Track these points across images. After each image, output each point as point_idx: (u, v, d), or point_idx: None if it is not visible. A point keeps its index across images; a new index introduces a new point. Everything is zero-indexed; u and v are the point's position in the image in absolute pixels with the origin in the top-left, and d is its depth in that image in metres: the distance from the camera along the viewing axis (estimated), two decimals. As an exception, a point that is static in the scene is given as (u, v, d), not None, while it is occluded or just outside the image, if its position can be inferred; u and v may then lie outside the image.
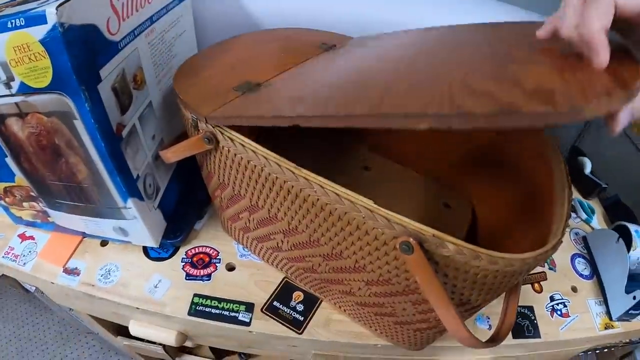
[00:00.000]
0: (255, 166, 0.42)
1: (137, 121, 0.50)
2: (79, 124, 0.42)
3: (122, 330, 0.77)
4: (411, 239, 0.34)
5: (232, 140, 0.42)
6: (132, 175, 0.50)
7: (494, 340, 0.43)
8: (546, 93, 0.26)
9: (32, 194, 0.53)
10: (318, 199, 0.39)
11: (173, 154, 0.49)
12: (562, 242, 0.35)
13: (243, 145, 0.41)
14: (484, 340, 0.40)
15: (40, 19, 0.34)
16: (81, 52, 0.38)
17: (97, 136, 0.43)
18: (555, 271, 0.66)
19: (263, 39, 0.61)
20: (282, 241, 0.51)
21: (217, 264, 0.61)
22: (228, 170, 0.47)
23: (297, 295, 0.59)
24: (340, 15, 0.69)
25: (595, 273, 0.66)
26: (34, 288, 0.66)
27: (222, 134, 0.42)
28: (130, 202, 0.51)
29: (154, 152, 0.56)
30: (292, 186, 0.40)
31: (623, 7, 0.28)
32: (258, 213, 0.49)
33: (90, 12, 0.38)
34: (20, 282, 0.66)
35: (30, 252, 0.60)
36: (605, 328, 0.60)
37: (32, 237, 0.61)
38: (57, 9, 0.34)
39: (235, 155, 0.43)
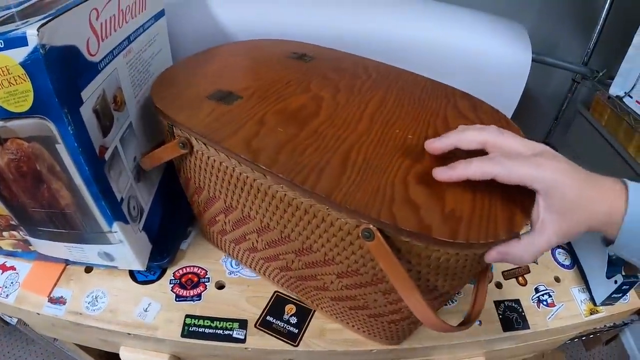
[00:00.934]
0: (227, 167, 0.45)
1: (118, 143, 0.51)
2: (61, 149, 0.43)
3: (109, 358, 0.76)
4: (371, 226, 0.37)
5: (205, 144, 0.44)
6: (117, 198, 0.51)
7: (465, 324, 0.46)
8: (455, 221, 0.36)
9: (13, 222, 0.53)
10: (285, 194, 0.42)
11: (150, 160, 0.52)
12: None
13: (215, 148, 0.44)
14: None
15: (21, 41, 0.34)
16: (63, 74, 0.38)
17: (81, 160, 0.43)
18: (537, 264, 0.70)
19: (236, 50, 0.65)
20: (256, 241, 0.54)
21: (206, 283, 0.61)
22: (203, 173, 0.49)
23: (290, 309, 0.60)
24: (311, 26, 0.72)
25: (575, 262, 0.70)
26: (15, 320, 0.65)
27: (195, 139, 0.45)
28: (115, 226, 0.51)
29: (136, 174, 0.56)
30: (262, 184, 0.43)
31: (502, 181, 0.38)
32: (233, 214, 0.52)
33: (71, 33, 0.39)
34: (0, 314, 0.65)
35: (12, 283, 0.59)
36: (591, 313, 0.64)
37: (13, 268, 0.61)
38: (38, 30, 0.34)
39: (208, 158, 0.46)
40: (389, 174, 0.41)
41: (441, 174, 0.40)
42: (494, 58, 0.74)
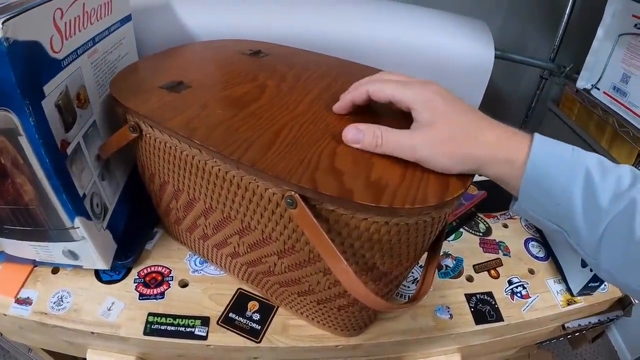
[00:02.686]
0: (170, 147, 0.50)
1: (81, 140, 0.56)
2: (23, 141, 0.47)
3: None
4: (293, 193, 0.39)
5: (151, 126, 0.50)
6: (79, 193, 0.55)
7: (408, 302, 0.49)
8: (380, 188, 0.39)
9: (-20, 222, 0.58)
10: (219, 169, 0.46)
11: (106, 146, 0.57)
12: (467, 209, 0.41)
13: (159, 129, 0.49)
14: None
15: (-14, 35, 0.40)
16: (25, 68, 0.43)
17: (42, 152, 0.48)
18: (510, 257, 0.72)
19: (196, 48, 0.73)
20: (205, 226, 0.58)
21: (169, 282, 0.65)
22: (152, 157, 0.54)
23: (253, 305, 0.63)
24: (277, 29, 0.79)
25: (550, 254, 0.72)
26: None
27: (143, 122, 0.50)
28: (77, 221, 0.55)
29: (100, 172, 0.61)
30: (199, 160, 0.47)
31: (373, 94, 0.46)
32: (182, 198, 0.57)
33: (35, 29, 0.44)
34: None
35: (-21, 285, 0.63)
36: (568, 304, 0.65)
37: (-19, 271, 0.65)
38: (2, 24, 0.39)
39: (155, 140, 0.51)
40: (318, 147, 0.44)
41: (335, 106, 0.50)
42: (457, 55, 0.79)
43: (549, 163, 0.38)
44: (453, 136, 0.40)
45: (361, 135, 0.43)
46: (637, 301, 0.66)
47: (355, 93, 0.47)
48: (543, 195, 0.39)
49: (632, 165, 0.76)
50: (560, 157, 0.38)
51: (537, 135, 0.39)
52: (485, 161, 0.40)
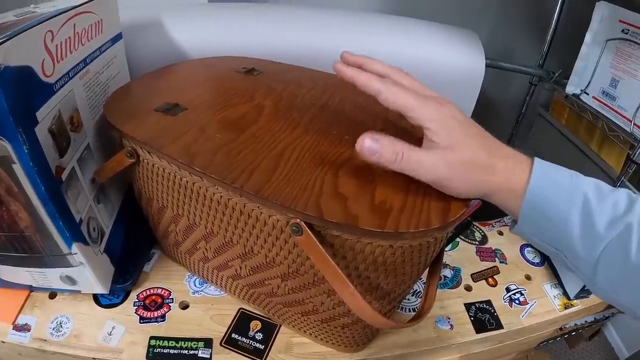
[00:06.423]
0: (169, 174, 0.49)
1: (76, 164, 0.55)
2: (17, 168, 0.46)
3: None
4: (299, 220, 0.39)
5: (149, 152, 0.49)
6: (75, 219, 0.54)
7: (412, 319, 0.49)
8: (385, 212, 0.39)
9: (-26, 250, 0.56)
10: (221, 196, 0.46)
11: (102, 172, 0.56)
12: (463, 219, 0.42)
13: (157, 155, 0.48)
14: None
15: (-23, 61, 0.38)
16: (17, 94, 0.42)
17: (37, 179, 0.47)
18: (506, 264, 0.74)
19: (189, 67, 0.72)
20: (206, 249, 0.58)
21: (170, 304, 0.65)
22: (150, 182, 0.54)
23: (255, 325, 0.63)
24: (267, 44, 0.79)
25: (545, 259, 0.73)
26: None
27: (140, 147, 0.50)
28: (75, 247, 0.54)
29: (95, 196, 0.60)
30: (200, 187, 0.47)
31: (384, 100, 0.41)
32: (181, 222, 0.56)
33: (26, 54, 0.43)
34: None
35: (-25, 312, 0.62)
36: (566, 308, 0.67)
37: (-24, 298, 0.63)
38: None
39: (153, 165, 0.50)
40: (320, 170, 0.44)
41: (339, 65, 0.44)
42: (448, 66, 0.80)
43: (547, 190, 0.39)
44: (474, 161, 0.40)
45: (378, 146, 0.39)
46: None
47: (362, 81, 0.42)
48: (542, 220, 0.39)
49: (622, 167, 0.79)
50: (558, 184, 0.39)
51: (537, 161, 0.40)
52: (496, 188, 0.40)
